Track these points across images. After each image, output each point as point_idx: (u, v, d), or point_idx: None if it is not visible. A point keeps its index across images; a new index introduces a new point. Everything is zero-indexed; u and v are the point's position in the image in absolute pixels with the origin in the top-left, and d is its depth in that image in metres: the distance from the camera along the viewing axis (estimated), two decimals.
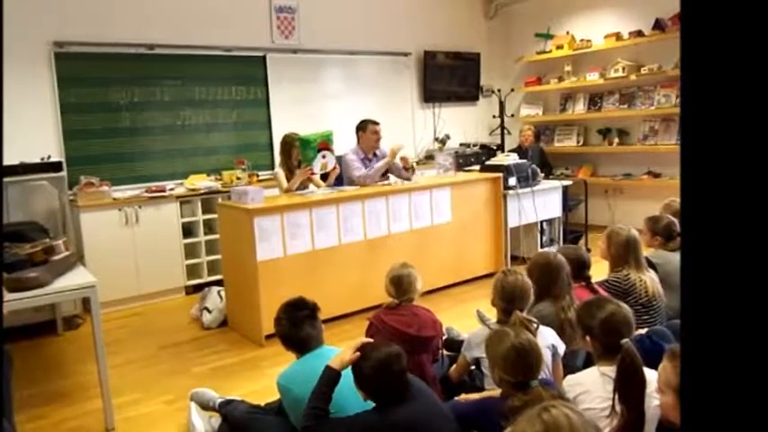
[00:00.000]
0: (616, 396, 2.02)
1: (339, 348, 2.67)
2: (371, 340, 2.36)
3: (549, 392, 2.04)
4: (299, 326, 2.59)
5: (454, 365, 2.97)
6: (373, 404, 2.22)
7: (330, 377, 2.26)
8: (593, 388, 2.14)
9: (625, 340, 2.07)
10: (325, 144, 4.79)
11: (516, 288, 2.72)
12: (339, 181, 5.13)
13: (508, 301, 2.70)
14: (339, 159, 5.09)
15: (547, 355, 2.50)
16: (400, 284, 3.01)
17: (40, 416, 3.24)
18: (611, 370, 2.10)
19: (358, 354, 2.24)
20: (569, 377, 2.30)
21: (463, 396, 2.62)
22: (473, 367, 2.91)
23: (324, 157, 4.78)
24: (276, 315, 2.67)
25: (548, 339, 2.64)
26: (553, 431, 1.33)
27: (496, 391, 2.30)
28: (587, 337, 2.30)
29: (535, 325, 2.54)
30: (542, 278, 2.95)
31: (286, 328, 2.61)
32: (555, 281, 2.96)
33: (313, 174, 4.92)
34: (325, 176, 5.14)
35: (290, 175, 5.00)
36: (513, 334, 2.17)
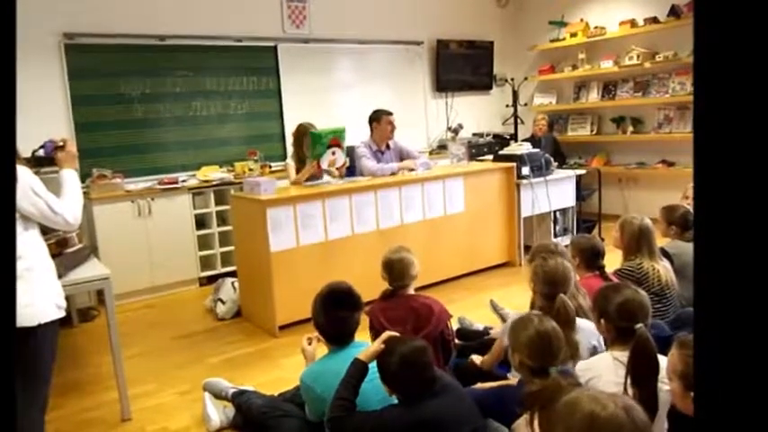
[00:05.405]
0: (628, 379, 2.02)
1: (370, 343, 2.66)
2: (397, 334, 2.33)
3: (567, 380, 2.04)
4: (332, 321, 2.53)
5: (487, 354, 2.92)
6: (397, 400, 2.20)
7: (358, 369, 2.25)
8: (604, 373, 2.14)
9: (639, 325, 2.07)
10: (336, 141, 4.71)
11: (558, 272, 2.66)
12: (352, 171, 5.10)
13: (551, 284, 2.63)
14: (350, 151, 5.06)
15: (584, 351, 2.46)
16: (392, 270, 2.95)
17: (56, 406, 3.26)
18: (623, 355, 2.10)
19: (382, 346, 2.22)
20: (581, 362, 2.30)
21: (479, 384, 2.62)
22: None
23: (333, 153, 4.71)
24: (316, 297, 2.58)
25: (590, 339, 2.57)
26: None
27: (513, 380, 2.29)
28: (602, 321, 2.29)
29: (572, 314, 2.50)
30: None
31: (320, 317, 2.55)
32: None
33: (320, 169, 4.83)
34: None
35: (300, 165, 4.95)
36: (538, 320, 2.16)
